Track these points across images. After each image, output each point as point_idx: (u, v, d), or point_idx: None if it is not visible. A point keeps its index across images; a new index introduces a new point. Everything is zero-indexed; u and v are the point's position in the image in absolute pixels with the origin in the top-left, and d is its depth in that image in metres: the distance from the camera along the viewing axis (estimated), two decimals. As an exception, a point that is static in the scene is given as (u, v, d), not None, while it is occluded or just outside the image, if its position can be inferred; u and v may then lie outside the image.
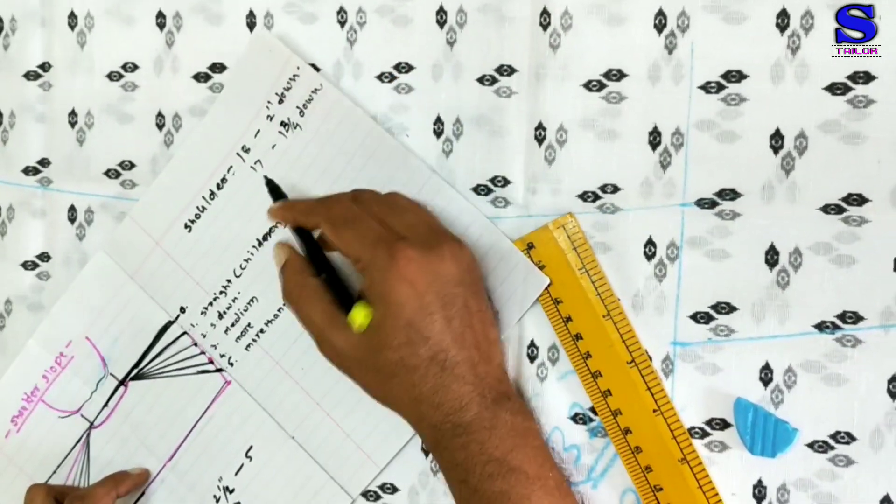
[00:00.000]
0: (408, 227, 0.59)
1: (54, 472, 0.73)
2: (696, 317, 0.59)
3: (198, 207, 0.69)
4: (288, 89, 0.66)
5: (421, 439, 0.61)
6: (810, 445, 0.57)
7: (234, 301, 0.68)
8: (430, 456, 0.64)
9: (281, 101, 0.66)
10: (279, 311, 0.67)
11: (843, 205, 0.56)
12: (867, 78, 0.56)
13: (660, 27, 0.59)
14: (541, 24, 0.61)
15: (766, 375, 0.58)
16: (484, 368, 0.57)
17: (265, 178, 0.66)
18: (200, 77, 0.69)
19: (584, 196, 0.61)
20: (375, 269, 0.57)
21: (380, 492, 0.66)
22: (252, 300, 0.68)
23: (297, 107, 0.66)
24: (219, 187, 0.68)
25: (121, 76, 0.70)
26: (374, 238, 0.58)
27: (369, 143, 0.64)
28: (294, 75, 0.66)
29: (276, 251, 0.64)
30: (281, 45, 0.66)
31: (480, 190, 0.63)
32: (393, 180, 0.64)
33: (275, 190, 0.65)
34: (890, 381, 0.56)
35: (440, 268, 0.57)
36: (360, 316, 0.57)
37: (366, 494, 0.66)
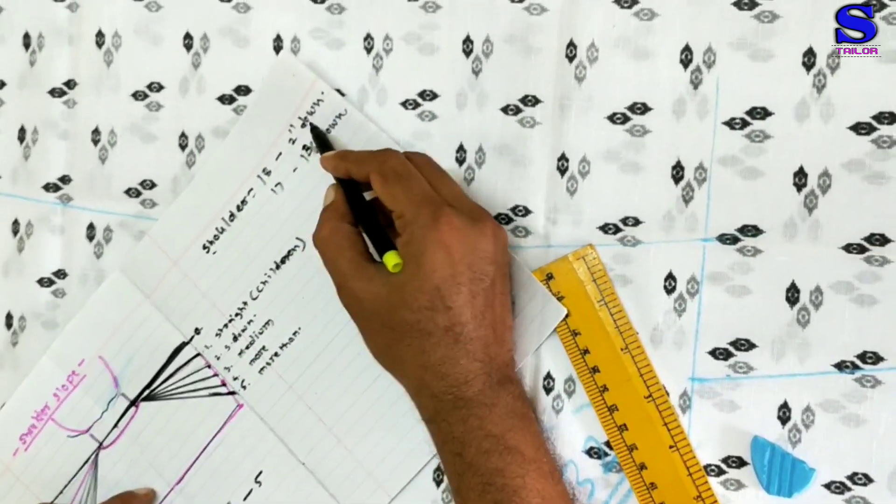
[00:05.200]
0: (455, 196, 0.59)
1: (61, 492, 0.72)
2: (714, 353, 0.59)
3: (217, 229, 0.69)
4: (312, 113, 0.66)
5: (418, 409, 0.60)
6: (827, 486, 0.57)
7: (249, 323, 0.68)
8: (443, 485, 0.63)
9: (304, 125, 0.66)
10: (294, 334, 0.67)
11: (866, 244, 0.56)
12: (892, 118, 0.56)
13: (686, 62, 0.59)
14: (567, 55, 0.61)
15: (784, 414, 0.57)
16: (495, 350, 0.57)
17: (311, 125, 0.66)
18: (225, 99, 0.69)
19: (605, 228, 0.61)
20: (417, 227, 0.56)
21: (389, 521, 0.65)
22: (268, 323, 0.67)
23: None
24: (238, 209, 0.68)
25: (146, 95, 0.71)
26: (421, 197, 0.57)
27: None
28: (318, 100, 0.66)
29: (326, 192, 0.63)
30: (305, 69, 0.66)
31: (501, 219, 0.63)
32: (415, 207, 0.64)
33: (322, 141, 0.65)
34: (909, 423, 0.56)
35: (479, 242, 0.56)
36: (394, 258, 0.57)
37: (375, 523, 0.65)
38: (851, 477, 0.56)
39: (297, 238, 0.67)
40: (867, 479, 0.56)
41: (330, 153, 0.63)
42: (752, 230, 0.58)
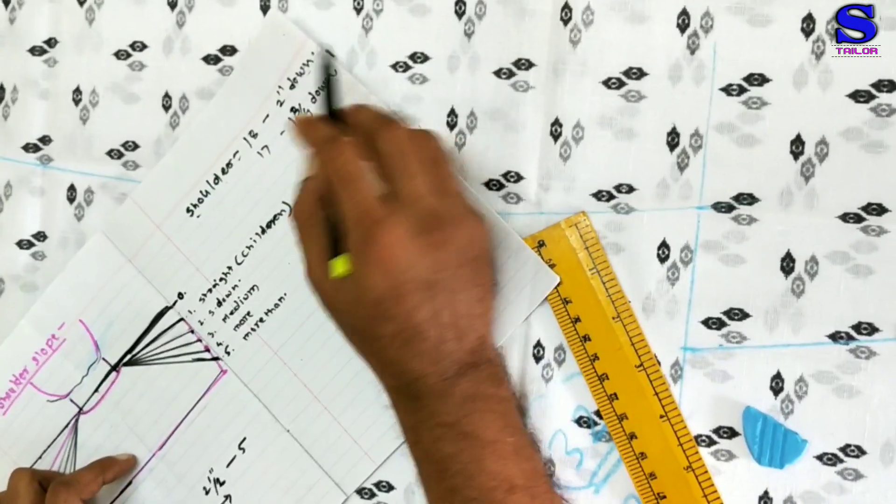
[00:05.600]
0: (413, 195, 0.54)
1: (39, 457, 0.71)
2: (707, 322, 0.58)
3: (201, 192, 0.67)
4: (301, 74, 0.65)
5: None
6: (819, 458, 0.56)
7: (234, 288, 0.67)
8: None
9: (293, 87, 0.65)
10: (280, 300, 0.66)
11: (863, 214, 0.55)
12: (891, 86, 0.55)
13: (683, 27, 0.58)
14: (562, 18, 0.60)
15: (776, 385, 0.57)
16: (453, 346, 0.55)
17: (323, 53, 0.63)
18: (210, 59, 0.67)
19: (598, 195, 0.60)
20: (353, 242, 0.54)
21: (375, 489, 0.64)
22: (253, 288, 0.66)
23: (310, 93, 0.64)
24: (224, 172, 0.67)
25: (128, 55, 0.69)
26: (360, 210, 0.54)
27: None
28: (308, 60, 0.64)
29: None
30: (296, 28, 0.65)
31: (492, 185, 0.62)
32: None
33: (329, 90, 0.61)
34: (902, 395, 0.55)
35: (428, 253, 0.53)
36: (340, 266, 0.55)
37: (360, 492, 0.65)
38: (844, 449, 0.56)
39: (284, 202, 0.65)
40: (860, 451, 0.56)
41: (300, 118, 0.60)
42: (748, 198, 0.57)
